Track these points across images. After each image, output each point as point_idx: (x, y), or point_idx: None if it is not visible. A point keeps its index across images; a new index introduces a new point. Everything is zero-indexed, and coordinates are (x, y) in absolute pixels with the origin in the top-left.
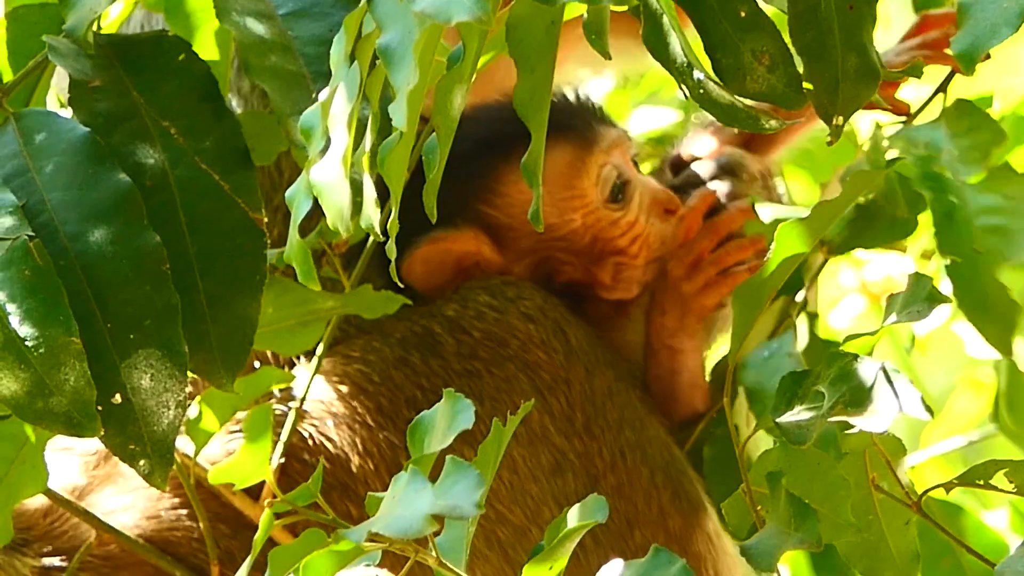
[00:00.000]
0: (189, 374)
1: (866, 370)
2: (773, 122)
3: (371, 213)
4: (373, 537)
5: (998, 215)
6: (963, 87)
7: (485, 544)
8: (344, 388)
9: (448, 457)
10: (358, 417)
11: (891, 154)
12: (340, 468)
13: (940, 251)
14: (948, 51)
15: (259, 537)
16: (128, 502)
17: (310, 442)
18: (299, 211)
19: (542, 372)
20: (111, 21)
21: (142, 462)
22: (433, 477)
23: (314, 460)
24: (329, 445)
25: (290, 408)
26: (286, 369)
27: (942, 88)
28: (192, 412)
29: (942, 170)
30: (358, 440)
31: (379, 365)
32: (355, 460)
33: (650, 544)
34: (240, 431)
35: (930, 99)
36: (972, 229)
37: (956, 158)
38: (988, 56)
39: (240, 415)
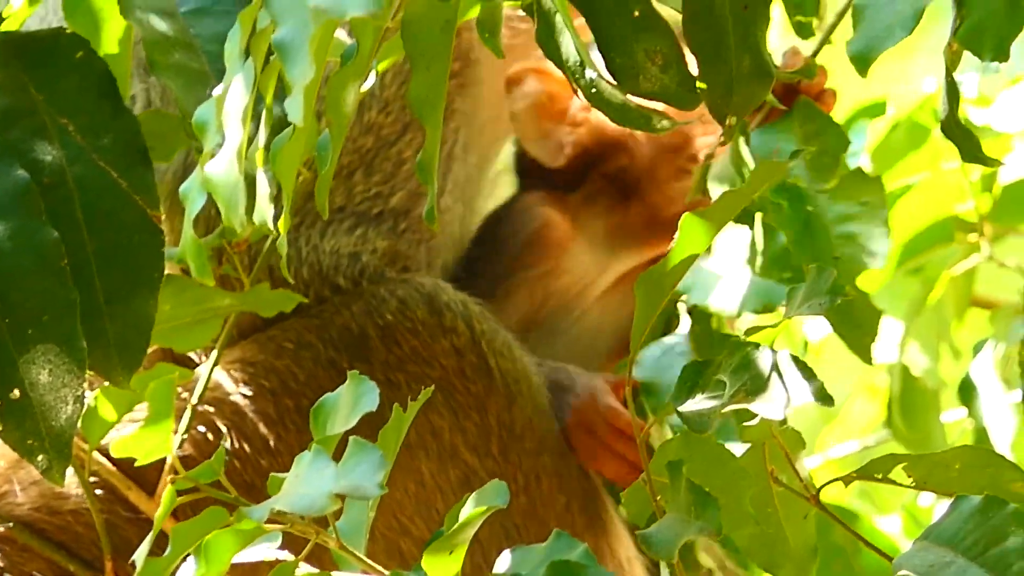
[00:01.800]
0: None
1: (767, 359)
2: (665, 122)
3: (264, 209)
4: (275, 517)
5: (854, 222)
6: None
7: (386, 555)
8: (268, 384)
9: (351, 438)
10: (276, 416)
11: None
12: (250, 468)
13: (796, 260)
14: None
15: (161, 513)
16: (36, 490)
17: (226, 439)
18: (193, 207)
19: (459, 396)
20: (9, 19)
21: (40, 457)
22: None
23: (226, 459)
24: (245, 443)
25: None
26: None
27: (804, 73)
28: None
29: (796, 179)
30: (271, 439)
31: (308, 364)
32: (264, 461)
33: None
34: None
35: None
36: (830, 237)
37: (808, 165)
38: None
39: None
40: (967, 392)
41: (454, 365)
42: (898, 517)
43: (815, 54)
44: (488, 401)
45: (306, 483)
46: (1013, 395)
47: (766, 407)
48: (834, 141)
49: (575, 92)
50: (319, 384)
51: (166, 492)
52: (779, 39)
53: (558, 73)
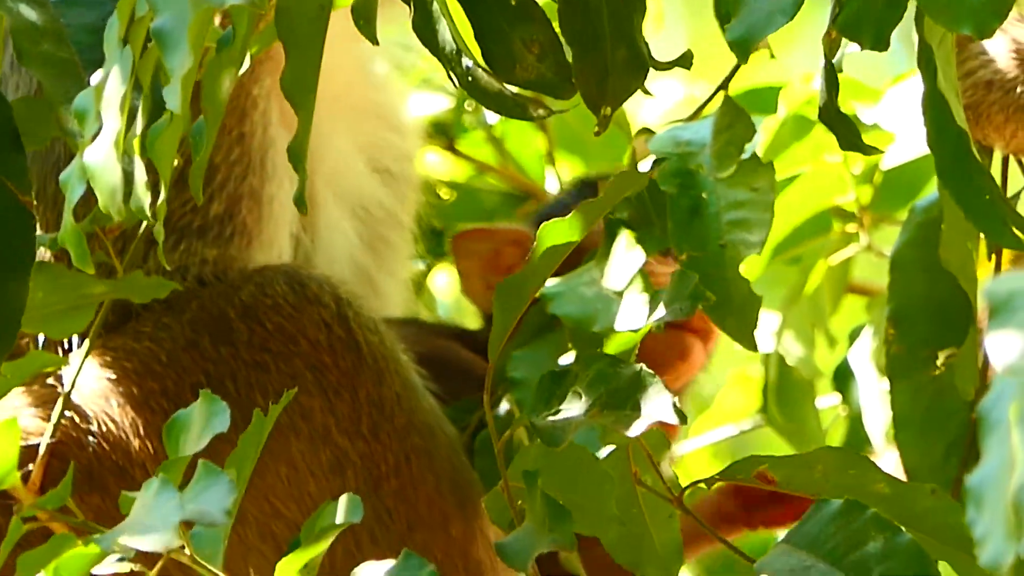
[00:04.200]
0: None
1: (624, 373)
2: (541, 111)
3: (141, 196)
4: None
5: (743, 208)
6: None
7: (259, 538)
8: (130, 366)
9: (200, 461)
10: (141, 399)
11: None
12: (120, 451)
13: (676, 248)
14: None
15: (7, 542)
16: None
17: (94, 423)
18: (72, 195)
19: (329, 374)
20: None
21: None
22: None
23: (95, 442)
24: (112, 426)
25: (62, 391)
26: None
27: (723, 86)
28: None
29: (698, 167)
30: (140, 422)
31: (168, 344)
32: (135, 443)
33: (431, 547)
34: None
35: (712, 96)
36: (720, 224)
37: (714, 154)
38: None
39: None
40: (843, 379)
41: (322, 339)
42: None
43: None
44: (358, 378)
45: (152, 513)
46: (888, 382)
47: (623, 424)
48: (742, 131)
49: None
50: (183, 366)
51: (12, 523)
52: None
53: (505, 234)
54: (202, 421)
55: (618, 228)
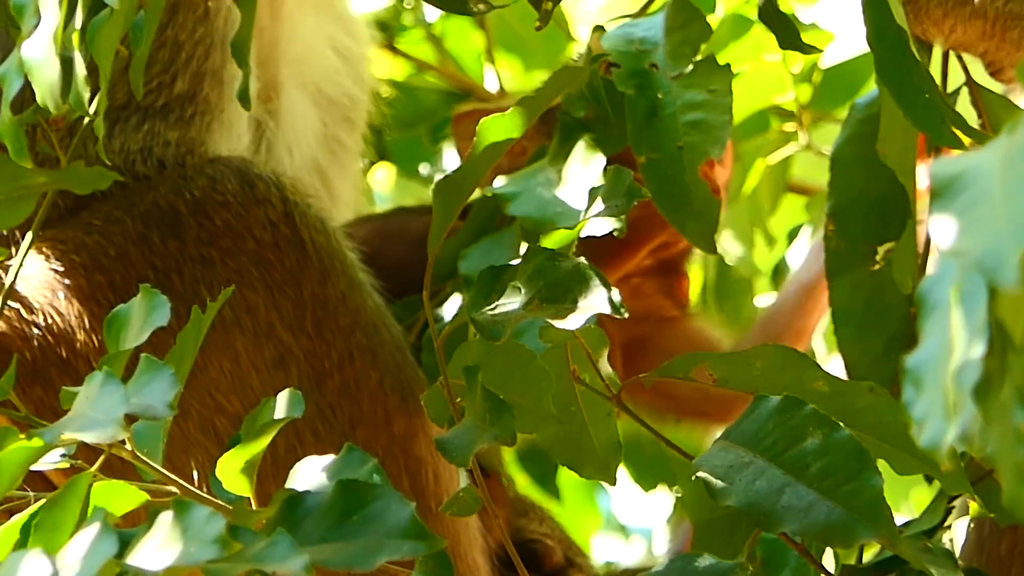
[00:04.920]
0: None
1: (563, 267)
2: (481, 6)
3: (80, 90)
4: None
5: (701, 110)
6: None
7: (201, 432)
8: (78, 259)
9: (142, 356)
10: (88, 292)
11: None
12: (64, 344)
13: (636, 149)
14: None
15: None
16: None
17: (40, 315)
18: (10, 88)
19: (274, 271)
20: None
21: None
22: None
23: (40, 334)
24: (58, 318)
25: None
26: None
27: None
28: None
29: (652, 67)
30: (85, 316)
31: (118, 239)
32: (80, 336)
33: (373, 444)
34: None
35: None
36: (677, 125)
37: (668, 53)
38: None
39: None
40: (781, 277)
41: (268, 238)
42: None
43: None
44: (302, 276)
45: (96, 407)
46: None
47: (560, 318)
48: (697, 32)
49: None
50: (131, 260)
51: None
52: None
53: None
54: (142, 315)
55: (575, 130)
